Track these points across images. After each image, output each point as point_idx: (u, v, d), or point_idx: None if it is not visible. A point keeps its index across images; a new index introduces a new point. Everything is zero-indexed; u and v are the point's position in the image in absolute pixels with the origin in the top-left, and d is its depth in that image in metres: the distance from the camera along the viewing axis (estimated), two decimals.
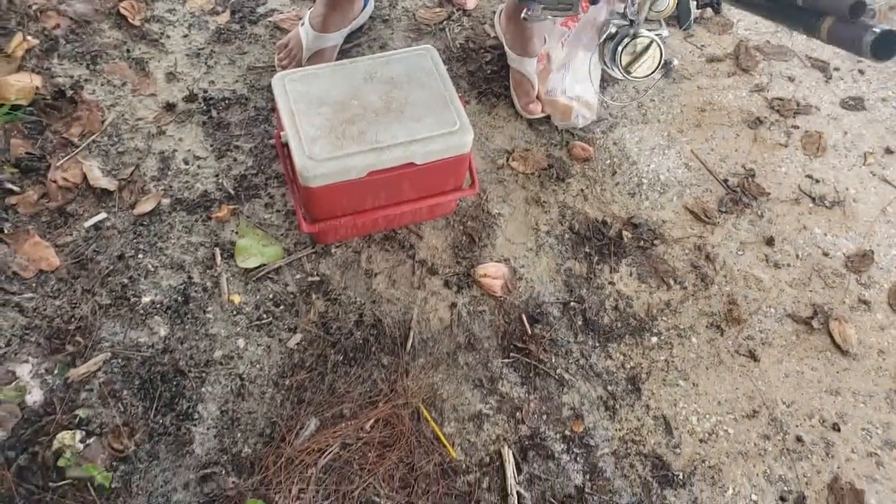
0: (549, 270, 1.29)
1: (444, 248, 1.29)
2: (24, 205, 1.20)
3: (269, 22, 1.53)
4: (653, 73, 1.02)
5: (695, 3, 0.93)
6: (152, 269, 1.17)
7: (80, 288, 1.13)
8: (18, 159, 1.24)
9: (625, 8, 1.03)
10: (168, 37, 1.48)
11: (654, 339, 1.24)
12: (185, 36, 1.49)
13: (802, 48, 1.72)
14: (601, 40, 1.06)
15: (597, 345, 1.22)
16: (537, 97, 1.47)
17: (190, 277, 1.17)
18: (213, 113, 1.38)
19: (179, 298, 1.15)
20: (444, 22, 1.62)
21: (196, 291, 1.16)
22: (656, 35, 1.04)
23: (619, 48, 1.01)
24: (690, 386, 1.20)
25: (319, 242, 1.25)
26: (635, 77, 1.02)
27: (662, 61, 1.02)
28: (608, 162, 1.45)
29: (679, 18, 0.93)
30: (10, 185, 1.21)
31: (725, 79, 1.63)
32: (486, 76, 1.54)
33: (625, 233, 1.35)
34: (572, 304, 1.26)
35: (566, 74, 1.19)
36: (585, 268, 1.30)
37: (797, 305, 1.30)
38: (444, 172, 1.15)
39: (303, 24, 1.43)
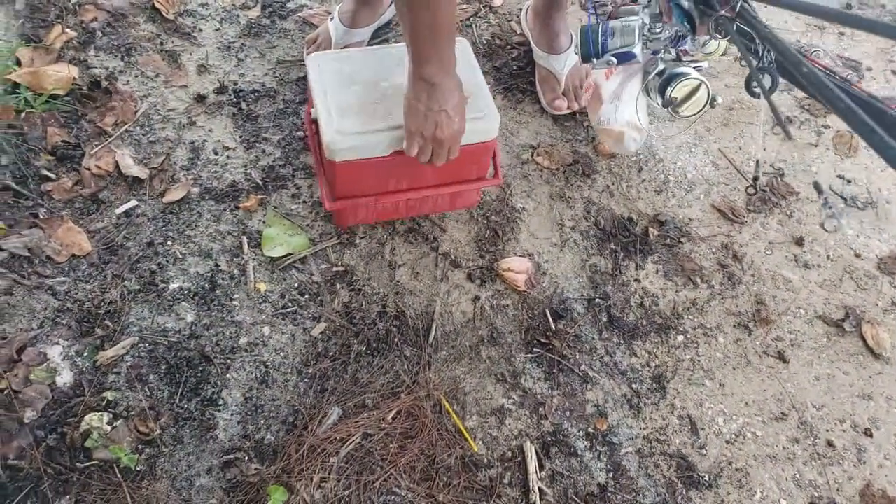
0: (574, 266, 1.26)
1: (467, 242, 1.27)
2: (59, 191, 1.21)
3: (299, 17, 1.53)
4: (700, 112, 1.02)
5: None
6: (180, 257, 1.17)
7: (110, 273, 1.13)
8: (54, 147, 1.25)
9: (673, 48, 1.02)
10: (200, 30, 1.48)
11: (680, 338, 1.21)
12: (217, 30, 1.49)
13: (834, 47, 1.67)
14: (650, 76, 1.05)
15: (621, 342, 1.19)
16: (563, 94, 1.45)
17: (217, 265, 1.17)
18: (243, 105, 1.38)
19: (206, 285, 1.14)
20: (471, 18, 1.60)
21: (223, 279, 1.15)
22: (697, 69, 1.03)
23: (669, 88, 1.01)
24: (717, 386, 1.16)
25: (340, 225, 1.23)
26: (683, 116, 1.03)
27: (710, 101, 1.02)
28: (634, 159, 1.42)
29: (747, 84, 0.92)
30: (46, 172, 1.22)
31: None
32: (512, 72, 1.52)
33: (651, 230, 1.32)
34: (597, 300, 1.23)
35: (619, 105, 1.18)
36: (611, 264, 1.27)
37: (828, 307, 1.26)
38: (467, 159, 1.12)
39: (332, 19, 1.43)
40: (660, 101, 1.07)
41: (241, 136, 1.33)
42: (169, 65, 1.41)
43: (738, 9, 0.89)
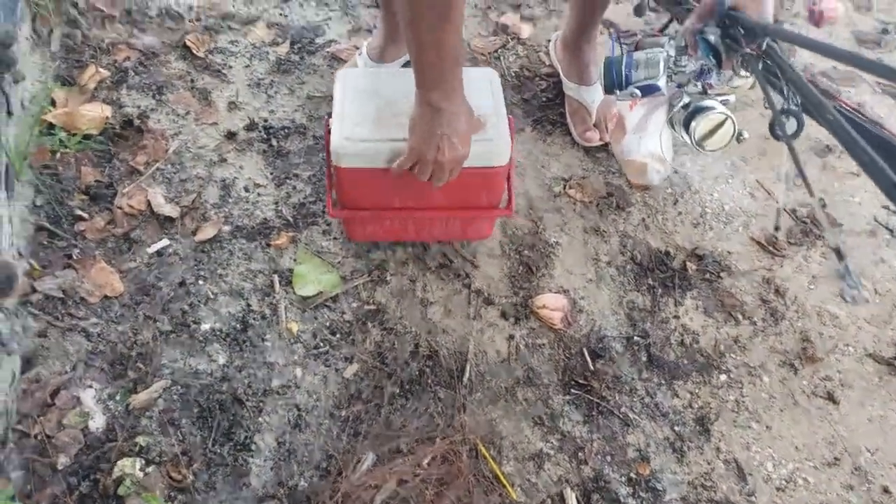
0: (611, 303, 1.24)
1: (500, 278, 1.25)
2: (92, 231, 1.22)
3: (327, 53, 1.54)
4: (725, 146, 1.01)
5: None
6: (212, 296, 1.17)
7: (142, 314, 1.14)
8: (88, 187, 1.27)
9: (699, 81, 1.01)
10: (230, 67, 1.50)
11: (723, 378, 1.18)
12: (247, 66, 1.51)
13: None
14: (674, 108, 1.04)
15: (662, 382, 1.16)
16: (594, 125, 1.44)
17: (249, 305, 1.17)
18: (273, 142, 1.39)
19: (238, 326, 1.14)
20: (499, 51, 1.60)
21: (255, 319, 1.15)
22: (724, 103, 1.02)
23: (693, 123, 1.00)
24: (764, 429, 1.13)
25: (350, 238, 1.24)
26: (708, 150, 1.01)
27: (735, 135, 1.00)
28: (669, 191, 1.40)
29: (771, 127, 0.90)
30: (79, 212, 1.23)
31: None
32: (542, 104, 1.52)
33: (689, 264, 1.30)
34: (636, 338, 1.20)
35: (642, 136, 1.17)
36: (649, 301, 1.25)
37: (878, 344, 1.22)
38: (477, 184, 1.11)
39: (360, 55, 1.44)
40: (684, 135, 1.06)
41: (271, 173, 1.34)
42: (199, 102, 1.43)
43: (764, 47, 0.88)
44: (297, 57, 1.54)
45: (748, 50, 0.86)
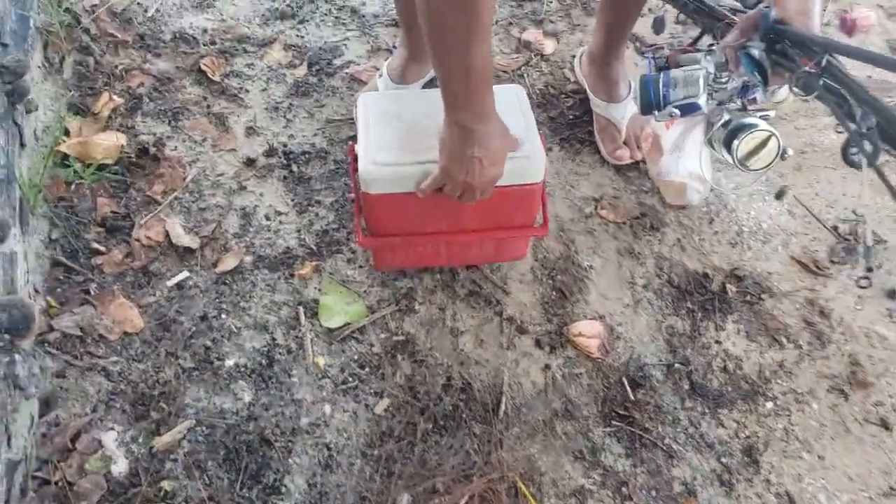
0: (650, 328, 1.21)
1: (532, 304, 1.22)
2: (110, 264, 1.20)
3: (346, 74, 1.53)
4: (769, 165, 0.97)
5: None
6: (235, 331, 1.14)
7: (163, 351, 1.11)
8: (104, 218, 1.25)
9: (741, 98, 0.99)
10: (247, 91, 1.49)
11: (770, 405, 1.14)
12: (264, 90, 1.49)
13: None
14: (714, 127, 1.01)
15: (706, 411, 1.13)
16: (624, 143, 1.41)
17: (273, 339, 1.14)
18: (294, 167, 1.37)
19: (263, 361, 1.11)
20: (523, 68, 1.58)
21: (280, 353, 1.12)
22: (764, 118, 0.99)
23: (736, 142, 0.97)
24: (815, 458, 1.09)
25: (377, 268, 1.21)
26: (751, 170, 0.98)
27: (780, 153, 0.97)
28: (704, 209, 1.37)
29: (843, 152, 0.87)
30: (96, 245, 1.21)
31: (826, 118, 1.53)
32: (569, 122, 1.49)
33: (728, 286, 1.26)
34: (677, 365, 1.17)
35: (680, 156, 1.14)
36: (689, 325, 1.22)
37: None
38: (511, 203, 1.09)
39: (380, 76, 1.42)
40: (725, 154, 1.03)
41: (292, 200, 1.32)
42: (217, 128, 1.42)
43: (823, 63, 0.85)
44: (315, 79, 1.52)
45: (806, 68, 0.82)
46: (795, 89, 0.92)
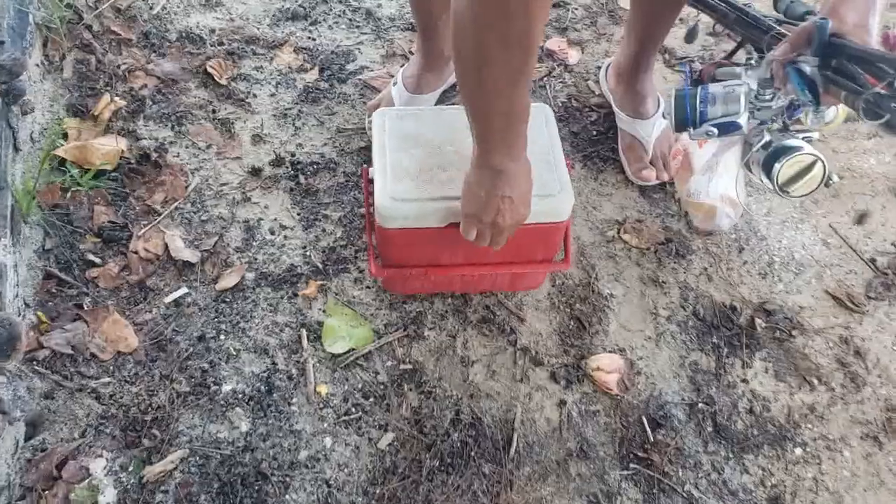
0: (672, 364, 1.16)
1: (548, 334, 1.18)
2: (105, 278, 1.17)
3: (359, 80, 1.49)
4: (813, 191, 0.92)
5: None
6: (234, 353, 1.11)
7: (158, 373, 1.07)
8: (101, 228, 1.21)
9: (782, 117, 0.94)
10: (255, 96, 1.45)
11: (799, 451, 1.09)
12: (273, 95, 1.45)
13: None
14: (753, 148, 0.96)
15: (730, 456, 1.08)
16: (650, 163, 1.37)
17: (274, 363, 1.10)
18: (301, 178, 1.33)
19: (263, 388, 1.07)
20: (545, 79, 1.54)
21: (280, 380, 1.09)
22: (807, 139, 0.94)
23: (777, 165, 0.92)
24: None
25: (388, 290, 1.18)
26: (792, 196, 0.93)
27: (825, 180, 0.92)
28: (734, 236, 1.32)
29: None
30: (91, 257, 1.18)
31: (865, 141, 1.48)
32: (592, 137, 1.45)
33: (757, 321, 1.21)
34: (700, 405, 1.12)
35: (712, 177, 1.09)
36: (714, 362, 1.17)
37: None
38: (534, 239, 1.05)
39: (395, 84, 1.38)
40: (764, 178, 0.98)
41: (299, 214, 1.28)
42: (222, 134, 1.38)
43: None
44: (327, 84, 1.48)
45: (877, 89, 0.77)
46: (854, 111, 0.86)
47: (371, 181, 1.05)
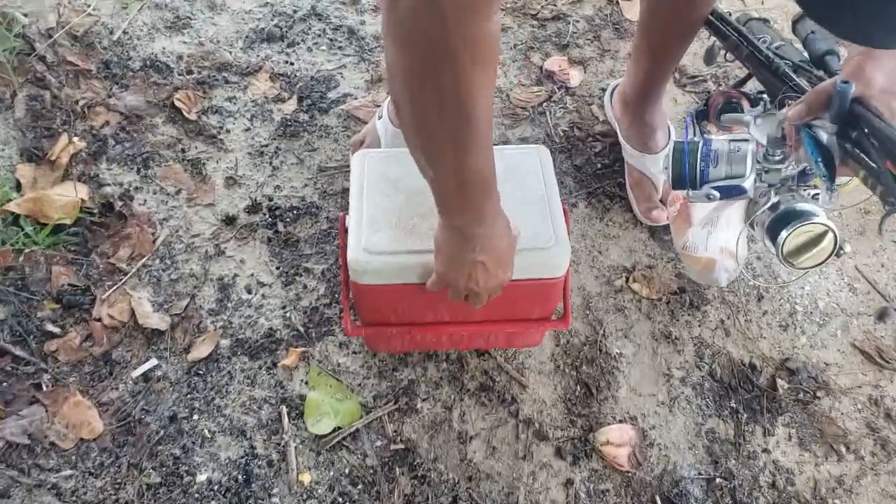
0: (687, 433, 1.10)
1: (553, 402, 1.12)
2: (66, 350, 1.10)
3: (342, 111, 1.40)
4: (820, 265, 0.85)
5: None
6: (209, 436, 1.04)
7: (125, 462, 1.01)
8: (60, 293, 1.14)
9: (791, 182, 0.86)
10: (227, 131, 1.37)
11: None
12: (247, 130, 1.37)
13: None
14: (759, 208, 0.89)
15: None
16: (661, 201, 1.30)
17: (252, 447, 1.04)
18: (280, 226, 1.25)
19: (240, 477, 1.01)
20: (544, 104, 1.46)
21: (259, 466, 1.02)
22: (815, 197, 0.87)
23: (784, 233, 0.84)
24: None
25: (371, 349, 1.13)
26: (797, 268, 0.86)
27: (836, 250, 0.85)
28: (751, 283, 1.25)
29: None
30: (50, 327, 1.11)
31: None
32: (596, 171, 1.37)
33: (779, 381, 1.15)
34: (718, 480, 1.07)
35: (712, 231, 1.02)
36: (732, 429, 1.11)
37: None
38: (528, 296, 0.98)
39: (380, 118, 1.30)
40: (768, 244, 0.91)
41: (278, 268, 1.21)
42: (192, 177, 1.30)
43: None
44: (307, 116, 1.40)
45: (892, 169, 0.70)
46: (872, 192, 0.79)
47: (347, 231, 0.98)
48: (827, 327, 1.22)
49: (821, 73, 1.00)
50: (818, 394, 1.15)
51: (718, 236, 1.09)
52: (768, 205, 0.92)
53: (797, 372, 1.17)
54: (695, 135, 1.05)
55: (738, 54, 1.13)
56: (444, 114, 0.63)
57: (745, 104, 1.03)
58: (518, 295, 0.96)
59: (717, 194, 0.93)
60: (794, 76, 1.01)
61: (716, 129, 1.10)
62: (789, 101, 0.91)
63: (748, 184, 0.92)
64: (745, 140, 0.92)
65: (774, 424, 1.12)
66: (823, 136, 0.83)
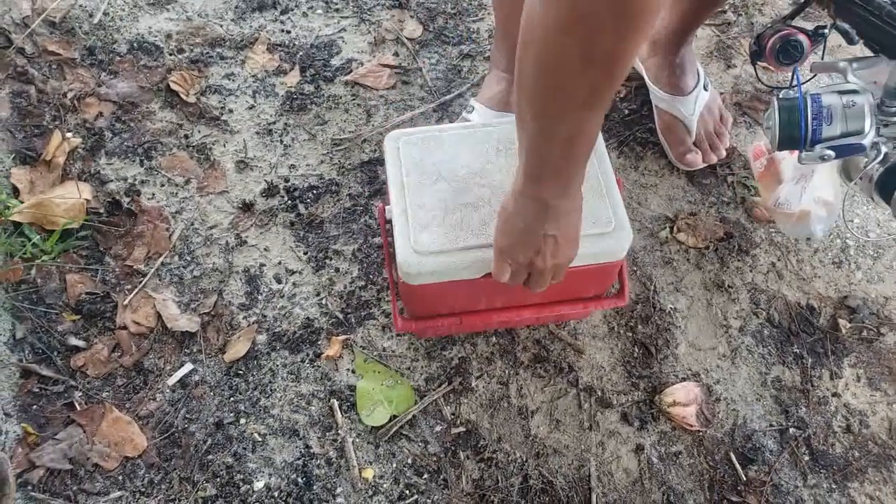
0: (753, 384, 1.06)
1: (612, 367, 1.06)
2: (94, 364, 1.02)
3: (349, 80, 1.30)
4: None
5: None
6: (259, 439, 0.98)
7: (176, 476, 0.95)
8: (78, 303, 1.06)
9: None
10: (230, 111, 1.27)
11: None
12: (251, 107, 1.27)
13: None
14: (868, 163, 0.81)
15: (833, 486, 0.99)
16: (694, 143, 1.22)
17: (308, 446, 0.98)
18: (301, 208, 1.17)
19: (300, 479, 0.95)
20: None
21: (318, 466, 0.96)
22: None
23: None
24: None
25: (420, 337, 1.07)
26: None
27: None
28: (849, 235, 1.19)
29: None
30: (74, 340, 1.03)
31: None
32: (624, 118, 1.29)
33: (840, 321, 1.10)
34: (791, 430, 1.02)
35: (806, 185, 0.95)
36: (798, 376, 1.06)
37: None
38: (585, 280, 0.91)
39: (471, 111, 1.16)
40: (879, 200, 0.84)
41: (305, 253, 1.13)
42: (200, 164, 1.21)
43: None
44: (312, 87, 1.30)
45: None
46: None
47: (389, 222, 0.90)
48: (882, 259, 1.17)
49: None
50: (882, 330, 1.11)
51: (813, 191, 1.02)
52: (877, 158, 0.84)
53: (857, 309, 1.12)
54: (800, 85, 0.95)
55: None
56: (589, 66, 0.56)
57: (805, 39, 0.95)
58: (577, 280, 0.89)
59: (833, 153, 0.84)
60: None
61: (775, 69, 1.01)
62: None
63: (867, 140, 0.84)
64: (858, 92, 0.83)
65: (841, 366, 1.08)
66: None
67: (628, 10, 0.51)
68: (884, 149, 0.81)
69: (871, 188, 0.83)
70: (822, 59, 0.94)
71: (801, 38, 0.94)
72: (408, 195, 0.86)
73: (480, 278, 0.86)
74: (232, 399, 1.01)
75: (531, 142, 0.68)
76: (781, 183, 0.99)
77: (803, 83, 0.83)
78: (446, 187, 0.87)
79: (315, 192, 1.19)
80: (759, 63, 1.04)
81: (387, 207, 0.91)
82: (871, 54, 0.84)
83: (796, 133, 0.81)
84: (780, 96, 0.83)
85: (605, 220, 0.86)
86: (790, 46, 0.92)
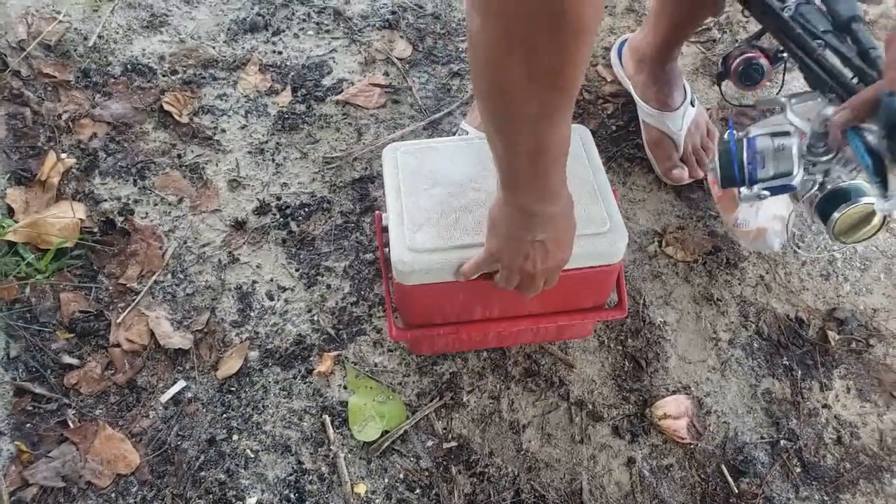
0: (743, 396, 1.07)
1: (602, 380, 1.08)
2: (87, 382, 1.03)
3: (340, 100, 1.33)
4: (869, 238, 0.83)
5: None
6: (252, 456, 0.99)
7: (169, 494, 0.95)
8: (72, 321, 1.07)
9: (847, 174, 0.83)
10: (223, 131, 1.29)
11: None
12: (243, 127, 1.30)
13: None
14: (807, 190, 0.85)
15: (826, 498, 1.00)
16: (681, 160, 1.24)
17: (300, 462, 0.98)
18: (293, 226, 1.19)
19: (292, 495, 0.96)
20: None
21: (311, 482, 0.97)
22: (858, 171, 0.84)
23: (837, 213, 0.82)
24: None
25: (413, 352, 1.07)
26: (845, 243, 0.84)
27: (884, 225, 0.82)
28: (802, 255, 1.21)
29: None
30: (68, 359, 1.04)
31: None
32: (612, 134, 1.32)
33: (829, 332, 1.12)
34: (782, 442, 1.03)
35: (760, 206, 0.98)
36: (788, 387, 1.08)
37: None
38: (582, 285, 0.93)
39: (461, 133, 1.19)
40: (818, 222, 0.88)
41: (297, 270, 1.15)
42: (193, 183, 1.23)
43: None
44: (303, 107, 1.32)
45: None
46: None
47: (385, 229, 0.92)
48: (869, 272, 1.19)
49: (848, 41, 0.91)
50: (870, 341, 1.12)
51: (768, 208, 1.05)
52: (815, 186, 0.88)
53: (846, 321, 1.13)
54: (739, 136, 0.98)
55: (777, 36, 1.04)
56: (534, 84, 0.58)
57: (765, 62, 0.98)
58: (571, 284, 0.90)
59: (768, 193, 0.89)
60: (839, 78, 0.92)
61: (738, 90, 1.05)
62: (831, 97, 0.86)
63: (797, 181, 0.87)
64: (788, 134, 0.87)
65: (831, 378, 1.09)
66: (871, 139, 0.78)
67: (562, 27, 0.52)
68: (819, 178, 0.84)
69: (812, 212, 0.86)
70: (783, 81, 0.98)
71: (763, 61, 0.97)
72: (404, 199, 0.89)
73: (474, 280, 0.87)
74: (224, 416, 1.02)
75: (499, 155, 0.70)
76: (738, 205, 1.02)
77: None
78: (441, 192, 0.90)
79: (307, 209, 1.21)
80: (721, 84, 1.08)
81: (383, 216, 0.93)
82: (809, 89, 0.88)
83: (733, 174, 0.85)
84: (725, 138, 0.87)
85: (599, 221, 0.87)
86: (752, 69, 0.95)
